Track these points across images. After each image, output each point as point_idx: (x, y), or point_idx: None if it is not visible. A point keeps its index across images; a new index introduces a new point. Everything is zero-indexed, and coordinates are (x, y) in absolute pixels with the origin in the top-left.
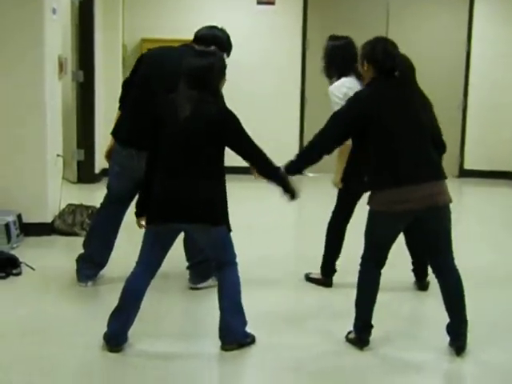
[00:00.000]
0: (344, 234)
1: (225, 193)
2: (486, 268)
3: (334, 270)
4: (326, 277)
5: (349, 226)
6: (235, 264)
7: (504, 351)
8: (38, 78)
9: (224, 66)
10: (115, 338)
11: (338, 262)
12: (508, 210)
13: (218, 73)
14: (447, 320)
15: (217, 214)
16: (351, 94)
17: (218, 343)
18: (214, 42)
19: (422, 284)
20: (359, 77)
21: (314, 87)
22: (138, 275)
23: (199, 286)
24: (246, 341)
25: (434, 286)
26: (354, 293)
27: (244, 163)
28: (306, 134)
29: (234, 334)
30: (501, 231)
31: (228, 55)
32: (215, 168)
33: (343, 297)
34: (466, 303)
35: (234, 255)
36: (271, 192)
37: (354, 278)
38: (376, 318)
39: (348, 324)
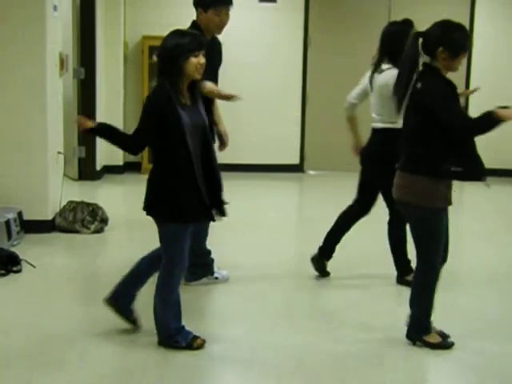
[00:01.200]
0: (353, 223)
1: (174, 188)
2: (486, 266)
3: (331, 253)
4: (321, 258)
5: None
6: (167, 264)
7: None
8: (39, 75)
9: (169, 49)
10: (113, 295)
11: (341, 261)
12: (510, 208)
13: (161, 53)
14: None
15: (161, 210)
16: None
17: (219, 340)
18: (198, 3)
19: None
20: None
21: (315, 83)
22: (146, 255)
23: (192, 283)
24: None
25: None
26: (352, 291)
27: (240, 161)
28: (307, 129)
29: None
30: (502, 229)
31: (222, 4)
32: (162, 159)
33: (342, 296)
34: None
35: (167, 256)
36: (270, 189)
37: (353, 276)
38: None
39: (347, 323)
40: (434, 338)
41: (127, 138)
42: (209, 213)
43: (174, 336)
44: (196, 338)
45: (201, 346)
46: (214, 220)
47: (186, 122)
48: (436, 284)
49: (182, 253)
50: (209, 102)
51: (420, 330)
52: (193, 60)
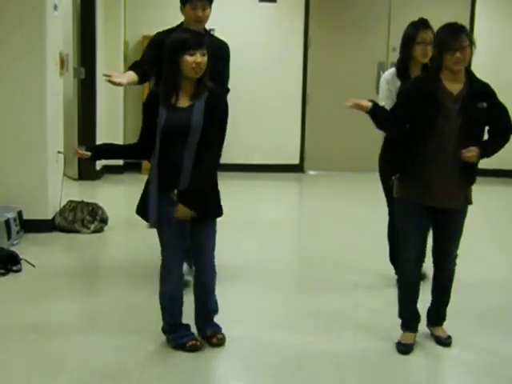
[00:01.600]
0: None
1: (145, 190)
2: (485, 267)
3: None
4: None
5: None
6: (161, 263)
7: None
8: (39, 75)
9: (167, 46)
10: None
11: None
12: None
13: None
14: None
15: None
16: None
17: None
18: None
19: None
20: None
21: (315, 83)
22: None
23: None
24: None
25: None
26: (352, 291)
27: (240, 161)
28: (307, 129)
29: None
30: (505, 230)
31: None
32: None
33: (342, 296)
34: None
35: (161, 254)
36: (270, 189)
37: (354, 276)
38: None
39: (347, 323)
40: (401, 337)
41: (130, 146)
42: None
43: (168, 333)
44: (190, 340)
45: (194, 349)
46: (150, 226)
47: (161, 124)
48: (405, 282)
49: (169, 252)
50: None
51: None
52: (188, 58)
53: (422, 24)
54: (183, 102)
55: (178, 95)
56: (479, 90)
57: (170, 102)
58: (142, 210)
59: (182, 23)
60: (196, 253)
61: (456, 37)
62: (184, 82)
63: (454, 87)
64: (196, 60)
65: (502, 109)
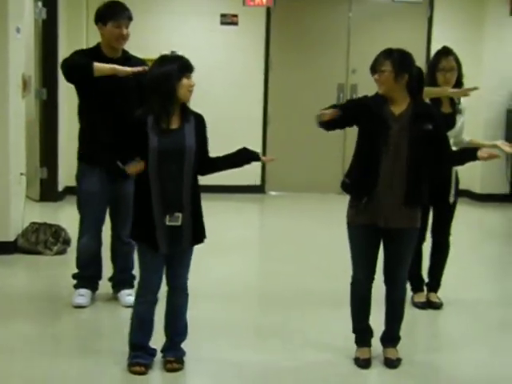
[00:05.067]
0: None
1: (137, 209)
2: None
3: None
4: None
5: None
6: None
7: None
8: (1, 97)
9: (161, 74)
10: None
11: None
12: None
13: (152, 78)
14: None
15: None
16: None
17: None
18: (97, 19)
19: None
20: None
21: (276, 106)
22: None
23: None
24: None
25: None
26: (313, 311)
27: (200, 182)
28: (268, 150)
29: None
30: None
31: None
32: None
33: (303, 315)
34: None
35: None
36: (231, 210)
37: (313, 296)
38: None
39: (307, 340)
40: (357, 352)
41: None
42: (152, 240)
43: (130, 349)
44: (135, 365)
45: (136, 373)
46: (157, 250)
47: (154, 146)
48: (357, 299)
49: (145, 274)
50: None
51: None
52: (185, 82)
53: (443, 52)
54: (172, 125)
55: (170, 120)
56: (423, 112)
57: (161, 127)
58: (146, 236)
59: (98, 44)
60: (173, 273)
61: (377, 59)
62: (174, 107)
63: (397, 108)
64: (191, 83)
65: (446, 137)
